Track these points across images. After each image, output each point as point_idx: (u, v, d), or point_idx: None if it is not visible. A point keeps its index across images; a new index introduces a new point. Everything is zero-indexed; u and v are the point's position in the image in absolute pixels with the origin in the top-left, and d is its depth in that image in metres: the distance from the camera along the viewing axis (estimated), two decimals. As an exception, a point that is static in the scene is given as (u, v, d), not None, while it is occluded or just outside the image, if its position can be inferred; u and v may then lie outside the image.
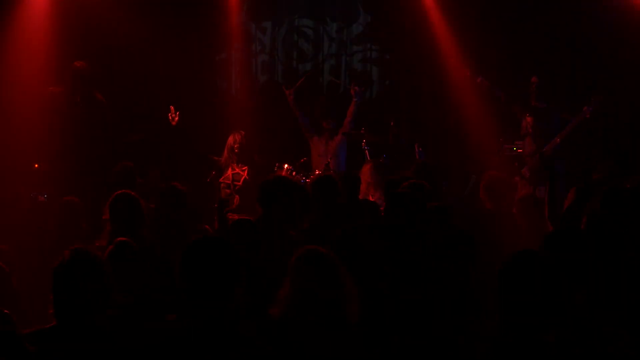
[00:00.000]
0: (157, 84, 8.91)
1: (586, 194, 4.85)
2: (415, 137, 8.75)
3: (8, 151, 7.23)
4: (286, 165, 7.64)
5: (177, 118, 7.29)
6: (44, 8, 8.19)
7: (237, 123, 8.52)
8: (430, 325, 3.35)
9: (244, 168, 7.37)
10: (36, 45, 8.17)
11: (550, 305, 2.66)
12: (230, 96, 9.11)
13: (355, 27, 9.24)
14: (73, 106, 6.86)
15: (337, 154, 8.11)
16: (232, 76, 9.15)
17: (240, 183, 7.30)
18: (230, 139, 7.44)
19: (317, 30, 9.20)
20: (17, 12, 8.08)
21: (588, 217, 3.96)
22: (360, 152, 8.30)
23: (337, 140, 8.17)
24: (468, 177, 8.45)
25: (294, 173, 7.70)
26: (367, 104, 9.18)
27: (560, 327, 2.74)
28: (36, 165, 7.56)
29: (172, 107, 7.27)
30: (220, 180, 7.39)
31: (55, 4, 8.27)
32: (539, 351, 2.62)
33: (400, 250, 3.97)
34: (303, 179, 7.64)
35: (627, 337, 2.85)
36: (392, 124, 8.30)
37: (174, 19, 8.86)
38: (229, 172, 7.38)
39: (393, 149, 8.77)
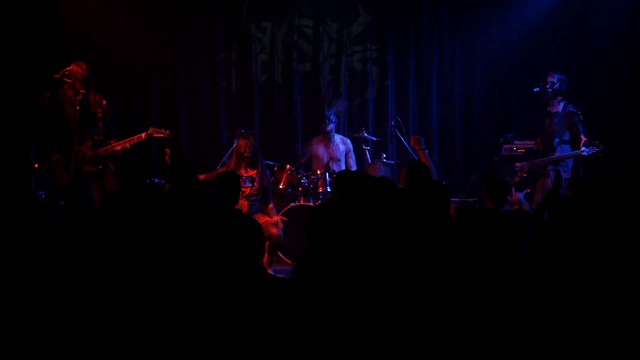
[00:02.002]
0: (157, 83, 8.92)
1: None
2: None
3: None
4: (287, 166, 7.63)
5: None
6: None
7: (237, 123, 8.53)
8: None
9: (251, 173, 7.08)
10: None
11: None
12: (230, 96, 9.11)
13: (355, 27, 9.24)
14: (72, 106, 6.83)
15: (339, 157, 8.11)
16: (232, 76, 9.13)
17: (248, 190, 6.95)
18: (241, 144, 7.15)
19: (317, 30, 9.20)
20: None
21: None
22: (360, 152, 8.31)
23: (341, 144, 8.17)
24: (468, 176, 8.48)
25: (294, 173, 7.70)
26: (367, 103, 9.19)
27: (560, 327, 2.74)
28: (36, 165, 7.57)
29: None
30: None
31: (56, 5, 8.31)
32: None
33: None
34: (303, 179, 7.64)
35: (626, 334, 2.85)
36: (392, 124, 8.31)
37: (174, 19, 8.86)
38: None
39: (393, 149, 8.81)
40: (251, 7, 9.14)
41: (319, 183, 7.60)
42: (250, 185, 6.96)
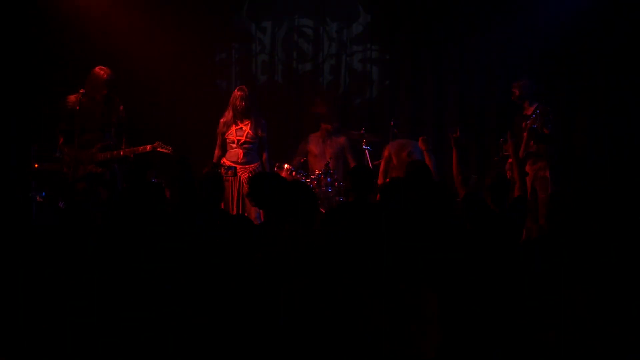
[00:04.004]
0: (157, 84, 8.91)
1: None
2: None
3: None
4: (286, 165, 7.63)
5: None
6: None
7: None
8: None
9: (246, 122, 7.31)
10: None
11: None
12: (230, 96, 9.09)
13: (355, 27, 9.23)
14: (96, 109, 6.90)
15: (338, 156, 8.11)
16: (232, 76, 9.13)
17: (244, 138, 7.27)
18: (236, 95, 7.33)
19: (317, 30, 9.19)
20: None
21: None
22: (360, 152, 8.30)
23: (338, 142, 8.16)
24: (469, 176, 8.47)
25: (294, 173, 7.69)
26: (367, 103, 9.18)
27: (560, 327, 2.74)
28: (36, 165, 7.56)
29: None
30: (226, 135, 7.34)
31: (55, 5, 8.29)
32: None
33: None
34: (303, 179, 7.65)
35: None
36: (392, 124, 8.30)
37: (174, 19, 8.85)
38: (232, 128, 7.32)
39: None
40: (251, 7, 9.13)
41: (319, 183, 7.60)
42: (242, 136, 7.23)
